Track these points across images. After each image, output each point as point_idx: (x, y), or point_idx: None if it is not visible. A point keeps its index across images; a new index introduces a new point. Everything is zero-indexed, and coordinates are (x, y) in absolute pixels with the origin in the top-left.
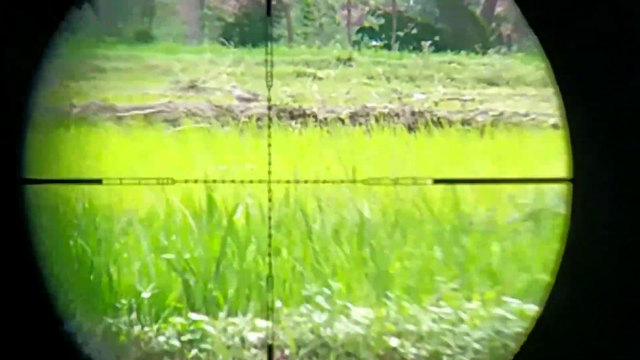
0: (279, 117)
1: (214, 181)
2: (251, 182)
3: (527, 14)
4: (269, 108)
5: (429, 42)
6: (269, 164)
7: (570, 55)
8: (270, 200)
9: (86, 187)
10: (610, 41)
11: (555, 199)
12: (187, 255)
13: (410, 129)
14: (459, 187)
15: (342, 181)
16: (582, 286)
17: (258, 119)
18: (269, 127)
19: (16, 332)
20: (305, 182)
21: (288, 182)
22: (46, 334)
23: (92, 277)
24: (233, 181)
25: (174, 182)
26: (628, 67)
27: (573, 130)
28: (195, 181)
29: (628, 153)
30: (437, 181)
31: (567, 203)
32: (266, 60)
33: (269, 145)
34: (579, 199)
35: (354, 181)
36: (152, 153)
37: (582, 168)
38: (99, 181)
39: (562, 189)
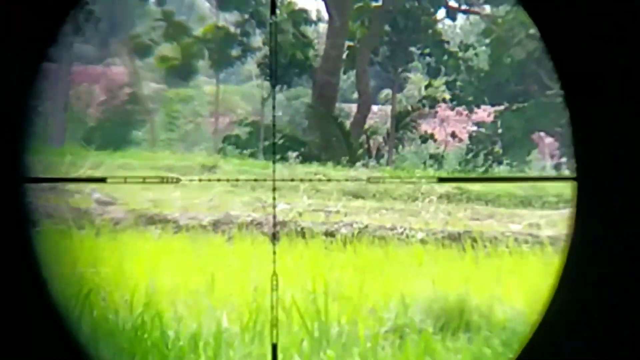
0: (137, 223)
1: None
2: (255, 180)
3: (533, 15)
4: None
5: (295, 153)
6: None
7: (575, 55)
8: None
9: None
10: (614, 40)
11: (420, 314)
12: None
13: (274, 237)
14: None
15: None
16: (586, 285)
17: (116, 223)
18: None
19: (17, 332)
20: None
21: (292, 180)
22: (47, 333)
23: None
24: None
25: (178, 180)
26: (632, 65)
27: (577, 128)
28: (200, 180)
29: (632, 152)
30: (441, 179)
31: (571, 202)
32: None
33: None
34: (583, 198)
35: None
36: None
37: (586, 167)
38: (103, 180)
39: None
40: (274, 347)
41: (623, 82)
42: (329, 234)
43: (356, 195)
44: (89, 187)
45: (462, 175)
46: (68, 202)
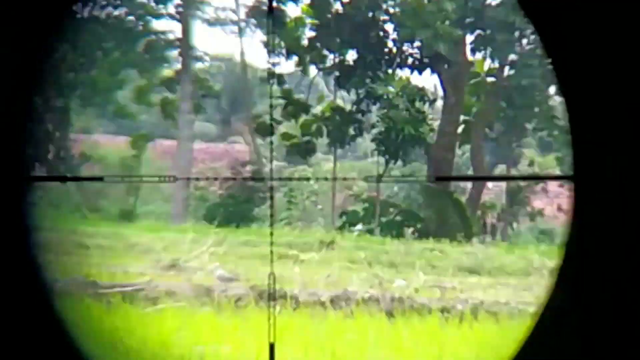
0: (259, 298)
1: (215, 178)
2: (254, 179)
3: (532, 15)
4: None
5: (411, 229)
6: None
7: (573, 55)
8: (272, 198)
9: None
10: (612, 40)
11: None
12: None
13: (390, 315)
14: None
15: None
16: (583, 284)
17: (237, 300)
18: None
19: (17, 332)
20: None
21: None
22: (47, 333)
23: None
24: (235, 180)
25: (175, 179)
26: (630, 65)
27: (575, 128)
28: (197, 179)
29: (629, 151)
30: (438, 178)
31: (569, 200)
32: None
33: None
34: (580, 197)
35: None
36: (132, 330)
37: (583, 165)
38: (100, 179)
39: None
40: (272, 347)
41: (621, 82)
42: (445, 310)
43: (471, 271)
44: (211, 265)
45: None
46: (190, 279)
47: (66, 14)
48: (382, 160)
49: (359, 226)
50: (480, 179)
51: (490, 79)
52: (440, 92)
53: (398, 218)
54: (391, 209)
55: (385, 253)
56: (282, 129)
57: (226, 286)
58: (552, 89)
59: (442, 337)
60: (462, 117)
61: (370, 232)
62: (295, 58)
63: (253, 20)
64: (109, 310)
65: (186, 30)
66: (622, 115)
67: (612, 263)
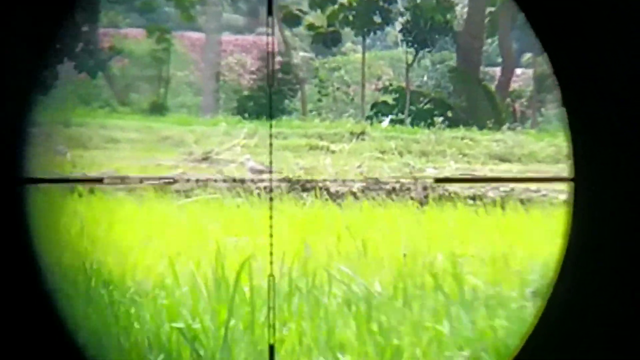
0: (291, 190)
1: (216, 181)
2: (253, 181)
3: (530, 16)
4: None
5: (441, 118)
6: (270, 190)
7: (573, 55)
8: (271, 217)
9: None
10: (612, 40)
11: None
12: (196, 325)
13: (422, 203)
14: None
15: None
16: (584, 285)
17: (270, 191)
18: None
19: (16, 333)
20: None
21: (291, 182)
22: (46, 334)
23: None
24: (234, 180)
25: (175, 182)
26: (630, 65)
27: (575, 129)
28: (197, 181)
29: (629, 152)
30: (438, 180)
31: (568, 202)
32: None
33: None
34: (580, 198)
35: (353, 180)
36: (164, 223)
37: (583, 167)
38: (100, 180)
39: None
40: (271, 348)
41: (621, 82)
42: (476, 198)
43: (502, 159)
44: (242, 157)
45: None
46: (222, 171)
47: (66, 17)
48: (410, 49)
49: (389, 117)
50: (479, 180)
51: None
52: None
53: (428, 107)
54: (421, 98)
55: (416, 142)
56: (309, 19)
57: (258, 178)
58: None
59: (473, 224)
60: (488, 9)
61: (400, 122)
62: None
63: None
64: (141, 204)
65: None
66: (622, 116)
67: (613, 264)
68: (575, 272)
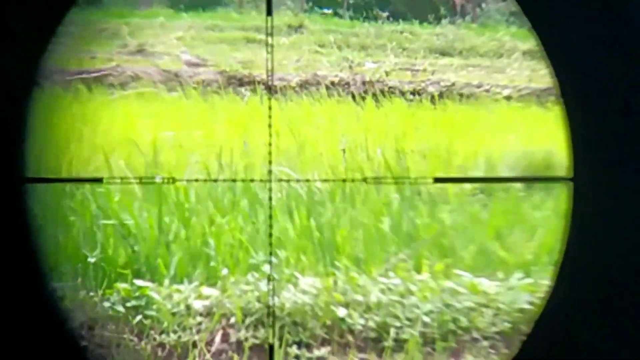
0: (228, 84)
1: (215, 180)
2: (252, 180)
3: (529, 14)
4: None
5: (385, 13)
6: (270, 162)
7: (571, 54)
8: (270, 199)
9: None
10: (611, 39)
11: (508, 171)
12: (130, 222)
13: (361, 98)
14: (408, 153)
15: (344, 180)
16: (583, 286)
17: (207, 85)
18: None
19: (16, 333)
20: (309, 180)
21: (289, 181)
22: (47, 334)
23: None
24: (234, 180)
25: (174, 180)
26: (629, 65)
27: (573, 128)
28: (196, 180)
29: (629, 152)
30: (437, 180)
31: (567, 202)
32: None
33: (270, 144)
34: (579, 198)
35: (352, 180)
36: (99, 117)
37: (582, 167)
38: (99, 180)
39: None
40: (271, 348)
41: (620, 82)
42: (416, 93)
43: (443, 53)
44: (178, 49)
45: None
46: (158, 64)
47: (65, 16)
48: None
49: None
50: (478, 181)
51: None
52: None
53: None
54: None
55: (355, 36)
56: None
57: (194, 71)
58: None
59: (413, 118)
60: None
61: (338, 15)
62: None
63: None
64: (76, 98)
65: None
66: (621, 116)
67: (612, 265)
68: (574, 273)
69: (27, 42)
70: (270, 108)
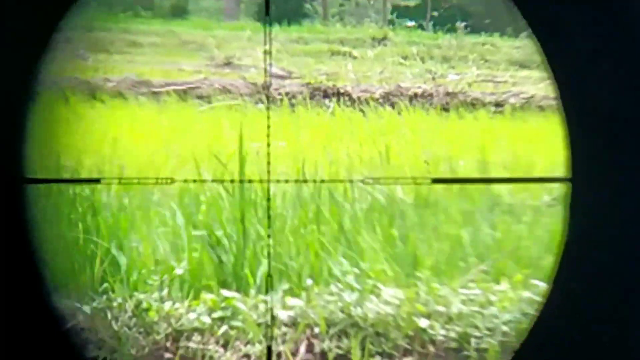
0: (313, 96)
1: (213, 181)
2: (250, 181)
3: (527, 16)
4: (267, 96)
5: (463, 24)
6: (268, 163)
7: (569, 55)
8: (269, 199)
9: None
10: (610, 40)
11: None
12: (219, 232)
13: (444, 109)
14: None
15: (341, 181)
16: (581, 287)
17: (292, 97)
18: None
19: (16, 333)
20: (307, 181)
21: (287, 181)
22: (47, 334)
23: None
24: (232, 181)
25: (173, 181)
26: (628, 67)
27: (572, 129)
28: (194, 181)
29: (627, 152)
30: (435, 180)
31: (565, 202)
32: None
33: (268, 144)
34: (577, 199)
35: (351, 181)
36: (186, 129)
37: (581, 167)
38: (97, 180)
39: None
40: (269, 349)
41: (619, 81)
42: (498, 104)
43: (522, 65)
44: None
45: None
46: (245, 77)
47: (65, 16)
48: None
49: (411, 22)
50: (476, 181)
51: None
52: None
53: (449, 12)
54: (443, 3)
55: (438, 48)
56: None
57: (279, 84)
58: None
59: (495, 130)
60: None
61: (421, 27)
62: None
63: None
64: (162, 109)
65: None
66: (620, 116)
67: (612, 265)
68: (573, 273)
69: (27, 42)
70: (268, 117)
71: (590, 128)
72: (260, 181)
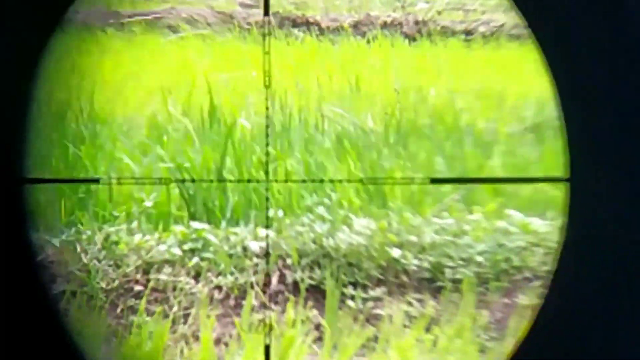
0: (281, 25)
1: (211, 181)
2: (249, 181)
3: (527, 15)
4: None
5: None
6: (267, 162)
7: (569, 54)
8: (267, 199)
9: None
10: (609, 39)
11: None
12: (187, 164)
13: (414, 38)
14: (459, 96)
15: (340, 181)
16: (580, 287)
17: (260, 26)
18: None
19: (16, 333)
20: (306, 181)
21: (286, 181)
22: (46, 334)
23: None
24: (231, 181)
25: (170, 181)
26: (627, 65)
27: (570, 128)
28: (193, 180)
29: (626, 152)
30: (433, 180)
31: (564, 203)
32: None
33: (267, 144)
34: (576, 199)
35: (349, 181)
36: (154, 60)
37: (579, 167)
38: (96, 180)
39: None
40: (267, 349)
41: (618, 81)
42: (468, 32)
43: None
44: None
45: None
46: (212, 6)
47: (64, 16)
48: None
49: None
50: (474, 181)
51: None
52: None
53: None
54: None
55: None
56: None
57: (247, 13)
58: None
59: (466, 58)
60: None
61: None
62: None
63: None
64: (130, 41)
65: None
66: (619, 116)
67: (611, 266)
68: (572, 274)
69: (26, 41)
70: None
71: (589, 128)
72: (258, 181)
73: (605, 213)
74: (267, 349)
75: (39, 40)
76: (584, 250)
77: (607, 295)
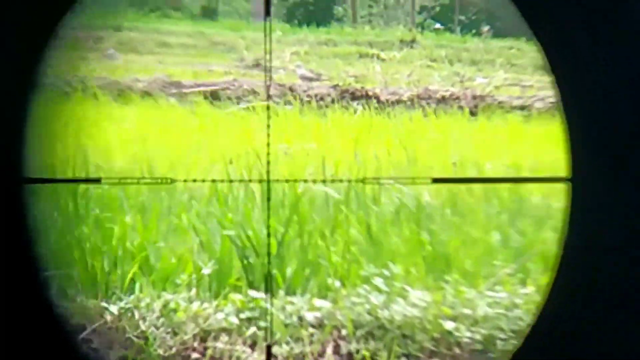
0: (341, 98)
1: (213, 180)
2: (250, 181)
3: (526, 15)
4: (269, 97)
5: (487, 27)
6: (268, 162)
7: (570, 54)
8: (269, 199)
9: None
10: (610, 39)
11: None
12: (249, 232)
13: (472, 113)
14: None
15: (341, 180)
16: (581, 288)
17: (320, 99)
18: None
19: (16, 334)
20: (307, 181)
21: (287, 181)
22: (46, 335)
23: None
24: (231, 181)
25: (172, 181)
26: (628, 65)
27: (572, 129)
28: (194, 180)
29: (627, 152)
30: (435, 180)
31: (565, 203)
32: (265, 51)
33: (268, 144)
34: (577, 199)
35: (349, 181)
36: (215, 129)
37: (580, 167)
38: (97, 180)
39: None
40: (269, 348)
41: (618, 81)
42: (524, 108)
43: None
44: (293, 64)
45: None
46: (273, 78)
47: (65, 15)
48: None
49: (438, 24)
50: (474, 181)
51: None
52: None
53: (476, 16)
54: (470, 7)
55: (466, 51)
56: None
57: (308, 85)
58: None
59: (523, 133)
60: None
61: (449, 30)
62: None
63: None
64: (193, 110)
65: None
66: (620, 117)
67: (611, 266)
68: (572, 274)
69: (27, 39)
70: (268, 117)
71: (590, 128)
72: (260, 181)
73: (606, 212)
74: (268, 348)
75: (37, 45)
76: (586, 249)
77: (608, 295)
